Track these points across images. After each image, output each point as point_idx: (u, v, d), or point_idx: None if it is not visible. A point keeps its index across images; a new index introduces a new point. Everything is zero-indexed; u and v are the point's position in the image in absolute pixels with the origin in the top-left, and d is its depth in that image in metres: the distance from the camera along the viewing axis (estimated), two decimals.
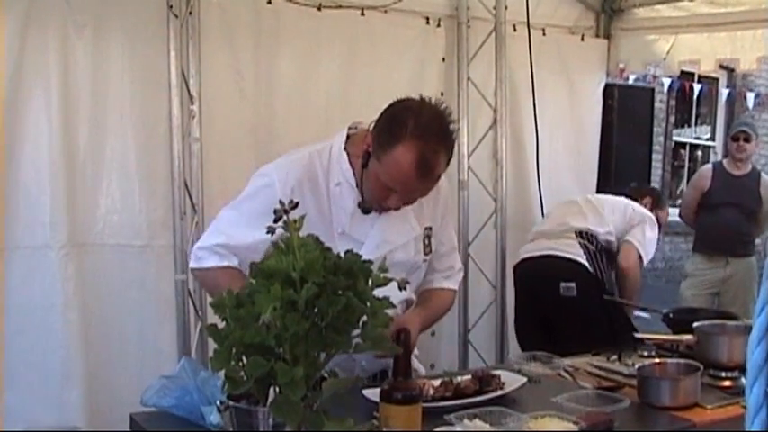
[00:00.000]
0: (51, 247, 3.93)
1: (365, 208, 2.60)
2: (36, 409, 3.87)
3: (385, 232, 2.64)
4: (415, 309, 2.71)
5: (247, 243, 2.47)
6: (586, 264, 4.47)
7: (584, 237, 4.58)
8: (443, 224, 2.86)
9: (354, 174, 2.59)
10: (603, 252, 4.58)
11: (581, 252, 4.50)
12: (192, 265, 2.76)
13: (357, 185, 2.59)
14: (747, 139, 6.37)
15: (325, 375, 1.80)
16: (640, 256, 4.60)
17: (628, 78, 6.80)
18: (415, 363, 2.76)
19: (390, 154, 2.43)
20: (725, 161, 6.68)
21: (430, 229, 2.78)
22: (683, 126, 12.00)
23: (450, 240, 2.94)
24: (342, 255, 1.83)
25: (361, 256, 1.83)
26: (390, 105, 2.54)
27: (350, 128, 2.69)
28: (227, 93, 4.42)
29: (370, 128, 2.55)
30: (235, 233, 2.57)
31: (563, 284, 4.43)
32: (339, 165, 2.61)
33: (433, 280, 2.88)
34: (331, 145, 2.65)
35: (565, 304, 4.40)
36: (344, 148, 2.63)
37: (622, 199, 4.86)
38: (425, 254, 2.77)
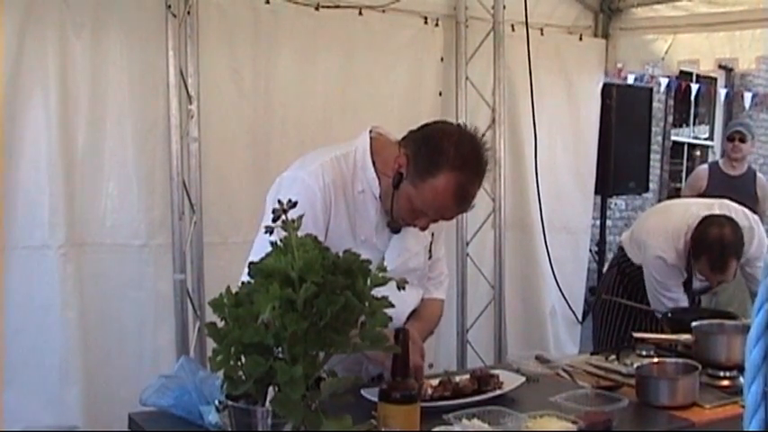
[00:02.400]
0: (50, 246, 3.93)
1: (394, 227, 2.61)
2: (35, 409, 3.87)
3: (404, 241, 2.66)
4: (412, 323, 2.69)
5: None
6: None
7: (618, 249, 4.56)
8: (439, 231, 2.87)
9: (380, 185, 2.57)
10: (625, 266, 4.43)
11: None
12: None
13: (380, 198, 2.58)
14: (743, 140, 6.37)
15: (324, 376, 1.80)
16: None
17: (626, 78, 6.81)
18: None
19: (429, 182, 2.44)
20: (721, 161, 6.69)
21: (432, 235, 2.81)
22: (681, 126, 12.00)
23: (441, 247, 2.96)
24: (339, 254, 1.83)
25: (359, 256, 1.83)
26: (426, 127, 2.54)
27: (371, 131, 2.66)
28: (225, 92, 4.42)
29: (401, 148, 2.52)
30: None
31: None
32: (364, 173, 2.59)
33: (427, 288, 2.88)
34: (355, 150, 2.62)
35: None
36: (370, 155, 2.60)
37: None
38: (429, 260, 2.80)
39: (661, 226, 4.07)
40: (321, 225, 2.49)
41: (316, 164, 2.58)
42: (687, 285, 4.02)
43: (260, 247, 2.55)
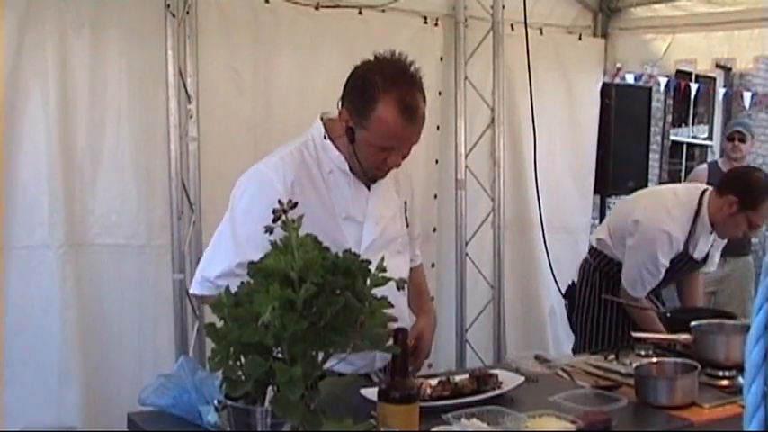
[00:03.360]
0: (49, 246, 3.93)
1: (366, 181, 2.67)
2: (34, 409, 3.87)
3: (378, 207, 2.72)
4: (422, 317, 2.85)
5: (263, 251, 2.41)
6: (576, 282, 4.43)
7: (592, 252, 4.39)
8: (411, 199, 2.95)
9: (346, 159, 2.64)
10: (605, 267, 4.30)
11: (581, 269, 4.44)
12: (207, 292, 2.63)
13: (349, 165, 2.64)
14: (742, 140, 6.37)
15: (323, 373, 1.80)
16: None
17: (625, 78, 6.80)
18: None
19: (373, 116, 2.49)
20: (720, 161, 6.69)
21: (406, 203, 2.89)
22: (680, 125, 12.00)
23: (418, 225, 3.08)
24: (340, 254, 1.83)
25: (359, 256, 1.83)
26: (350, 75, 2.62)
27: (321, 118, 2.73)
28: (224, 92, 4.42)
29: (339, 105, 2.60)
30: (250, 246, 2.39)
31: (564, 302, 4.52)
32: (326, 153, 2.66)
33: (414, 253, 3.00)
34: (312, 136, 2.70)
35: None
36: (326, 137, 2.68)
37: (636, 206, 4.22)
38: (407, 225, 2.87)
39: (660, 206, 4.07)
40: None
41: (275, 158, 2.67)
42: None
43: (236, 238, 2.64)
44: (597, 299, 4.24)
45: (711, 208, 3.95)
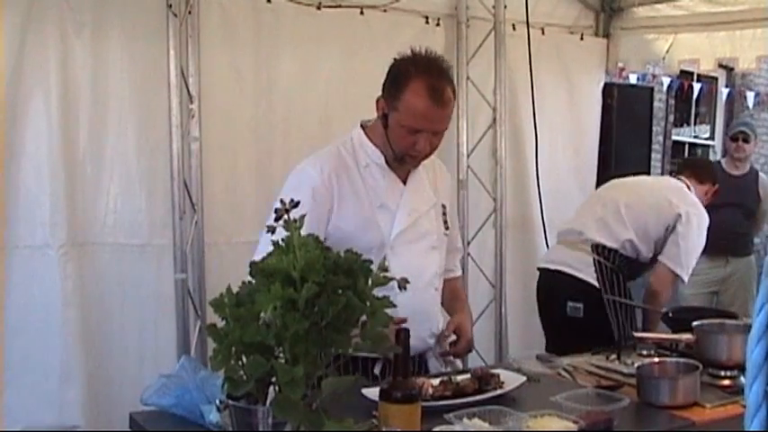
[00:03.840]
0: (51, 246, 3.93)
1: (402, 173, 2.88)
2: (35, 409, 3.87)
3: (412, 200, 2.90)
4: (457, 314, 3.05)
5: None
6: (596, 284, 4.17)
7: (601, 253, 4.22)
8: (451, 204, 3.17)
9: (382, 152, 2.85)
10: (624, 267, 4.22)
11: (593, 270, 4.20)
12: None
13: (385, 157, 2.85)
14: (746, 140, 6.36)
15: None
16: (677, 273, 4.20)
17: (627, 78, 6.80)
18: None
19: (403, 98, 2.71)
20: (723, 161, 6.67)
21: (444, 207, 3.05)
22: (682, 125, 12.00)
23: (458, 235, 3.33)
24: (341, 254, 1.83)
25: (361, 255, 1.83)
26: (388, 70, 2.83)
27: (361, 123, 2.96)
28: (226, 92, 4.42)
29: (378, 100, 2.83)
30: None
31: (570, 304, 4.21)
32: (363, 149, 2.88)
33: (454, 264, 3.22)
34: (350, 137, 2.93)
35: (570, 323, 4.19)
36: (364, 135, 2.91)
37: (659, 193, 4.36)
38: (445, 228, 3.02)
39: (683, 192, 4.39)
40: (322, 204, 2.75)
41: (314, 157, 2.90)
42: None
43: (263, 247, 2.63)
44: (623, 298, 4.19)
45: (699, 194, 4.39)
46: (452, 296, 3.15)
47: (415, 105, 2.69)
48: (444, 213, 3.03)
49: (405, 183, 2.90)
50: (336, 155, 2.86)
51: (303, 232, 2.30)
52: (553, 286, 4.38)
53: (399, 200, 2.87)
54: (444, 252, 3.03)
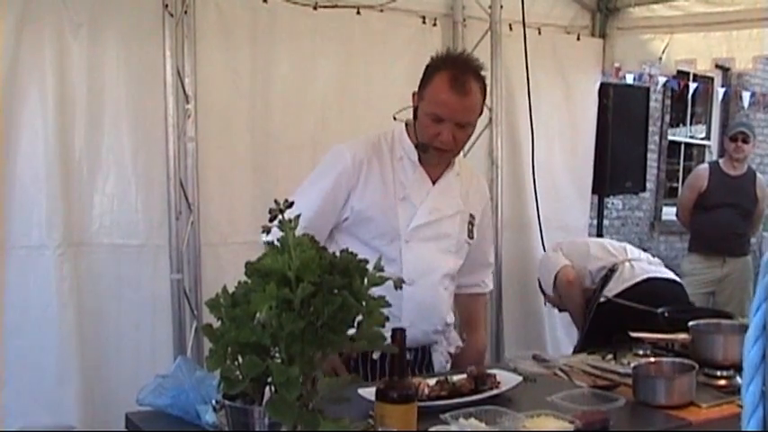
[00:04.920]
0: (47, 246, 3.93)
1: (423, 149, 2.94)
2: (32, 409, 3.86)
3: (437, 201, 3.00)
4: (475, 335, 3.28)
5: (315, 209, 2.85)
6: None
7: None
8: (485, 219, 3.28)
9: (416, 149, 2.96)
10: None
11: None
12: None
13: (419, 160, 2.97)
14: (746, 140, 6.37)
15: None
16: None
17: (623, 78, 6.79)
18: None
19: (429, 88, 2.87)
20: (721, 161, 6.68)
21: (473, 217, 3.13)
22: (678, 125, 11.98)
23: (488, 234, 3.43)
24: (336, 254, 1.83)
25: (356, 255, 1.83)
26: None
27: (405, 122, 3.08)
28: (222, 92, 4.41)
29: (413, 94, 2.97)
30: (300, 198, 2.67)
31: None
32: (401, 143, 3.01)
33: (482, 280, 3.36)
34: (393, 129, 3.07)
35: None
36: (405, 130, 3.03)
37: None
38: (469, 237, 3.10)
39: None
40: (344, 186, 2.92)
41: (356, 139, 3.09)
42: None
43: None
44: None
45: None
46: (468, 318, 3.34)
47: (437, 93, 2.83)
48: (471, 223, 3.11)
49: (434, 183, 3.01)
50: (375, 143, 3.01)
51: (313, 205, 2.85)
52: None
53: (425, 197, 2.98)
54: (463, 258, 3.11)
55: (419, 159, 2.97)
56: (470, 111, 2.90)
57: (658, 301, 4.00)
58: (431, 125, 2.86)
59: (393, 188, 2.95)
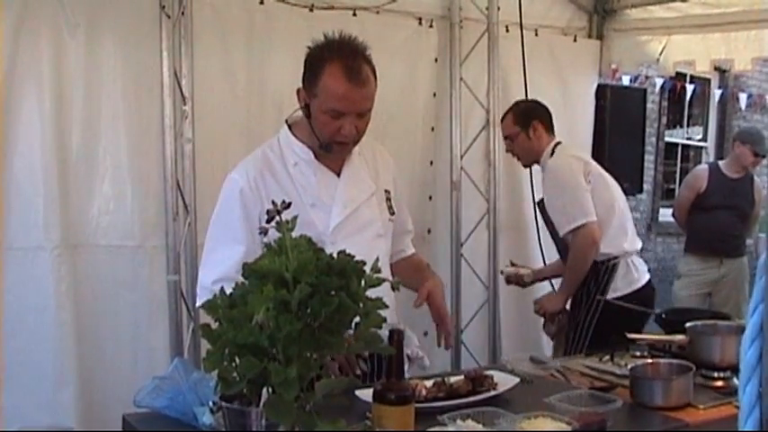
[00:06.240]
0: (44, 248, 3.93)
1: (327, 148, 2.74)
2: (29, 410, 3.86)
3: (348, 192, 2.82)
4: (426, 282, 2.89)
5: (239, 258, 2.52)
6: None
7: None
8: (397, 189, 3.05)
9: (309, 147, 2.78)
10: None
11: None
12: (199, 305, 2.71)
13: (314, 152, 2.77)
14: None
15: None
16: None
17: (620, 79, 6.80)
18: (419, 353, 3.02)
19: (321, 83, 2.63)
20: (721, 163, 6.65)
21: (388, 192, 2.96)
22: (675, 126, 12.00)
23: (402, 202, 3.13)
24: (335, 255, 1.83)
25: (353, 257, 1.83)
26: (304, 60, 2.74)
27: (286, 121, 2.92)
28: (219, 93, 4.42)
29: (298, 91, 2.75)
30: (223, 257, 2.69)
31: None
32: (290, 147, 2.82)
33: (406, 244, 3.14)
34: (277, 138, 2.88)
35: None
36: (290, 134, 2.85)
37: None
38: (390, 213, 2.94)
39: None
40: (252, 207, 2.70)
41: (240, 163, 2.84)
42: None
43: (214, 251, 2.80)
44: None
45: None
46: (413, 268, 3.08)
47: (333, 88, 2.61)
48: (388, 199, 2.95)
49: (339, 175, 2.82)
50: (261, 158, 2.81)
51: (240, 236, 2.67)
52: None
53: (334, 192, 2.79)
54: (390, 237, 2.95)
55: (315, 156, 2.78)
56: (369, 98, 2.70)
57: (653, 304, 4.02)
58: (330, 122, 2.66)
59: (298, 197, 2.70)
